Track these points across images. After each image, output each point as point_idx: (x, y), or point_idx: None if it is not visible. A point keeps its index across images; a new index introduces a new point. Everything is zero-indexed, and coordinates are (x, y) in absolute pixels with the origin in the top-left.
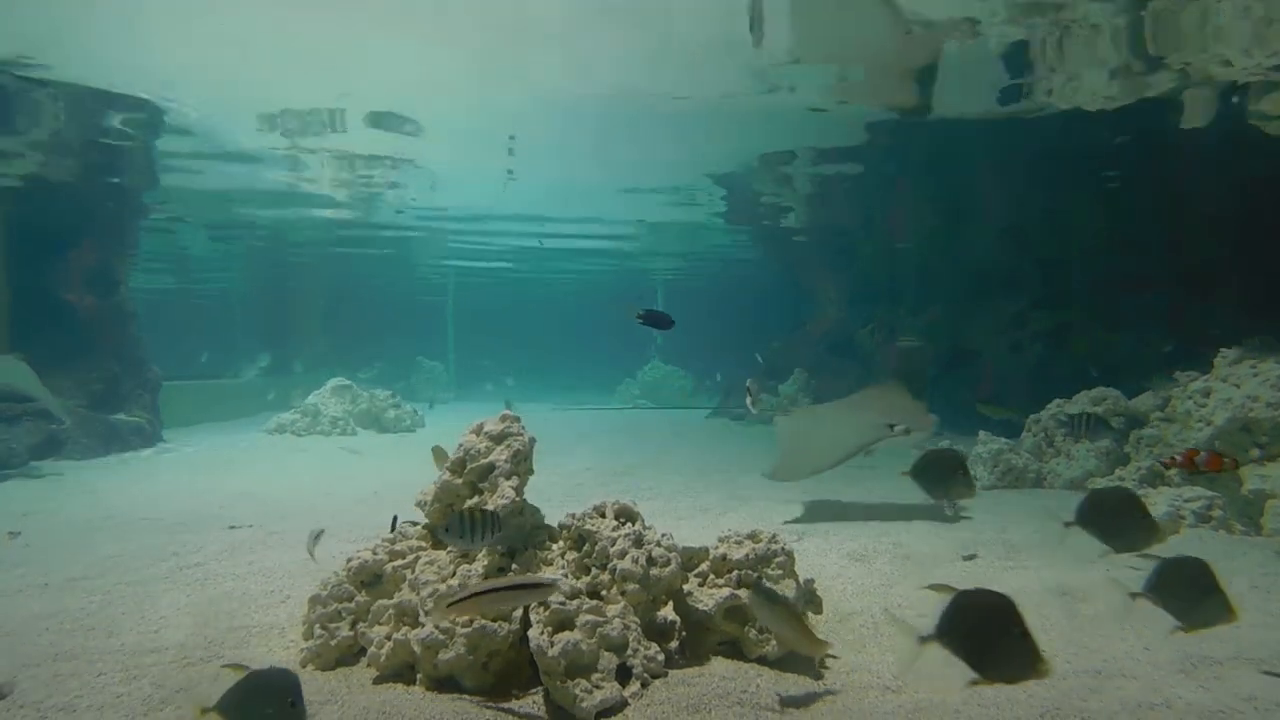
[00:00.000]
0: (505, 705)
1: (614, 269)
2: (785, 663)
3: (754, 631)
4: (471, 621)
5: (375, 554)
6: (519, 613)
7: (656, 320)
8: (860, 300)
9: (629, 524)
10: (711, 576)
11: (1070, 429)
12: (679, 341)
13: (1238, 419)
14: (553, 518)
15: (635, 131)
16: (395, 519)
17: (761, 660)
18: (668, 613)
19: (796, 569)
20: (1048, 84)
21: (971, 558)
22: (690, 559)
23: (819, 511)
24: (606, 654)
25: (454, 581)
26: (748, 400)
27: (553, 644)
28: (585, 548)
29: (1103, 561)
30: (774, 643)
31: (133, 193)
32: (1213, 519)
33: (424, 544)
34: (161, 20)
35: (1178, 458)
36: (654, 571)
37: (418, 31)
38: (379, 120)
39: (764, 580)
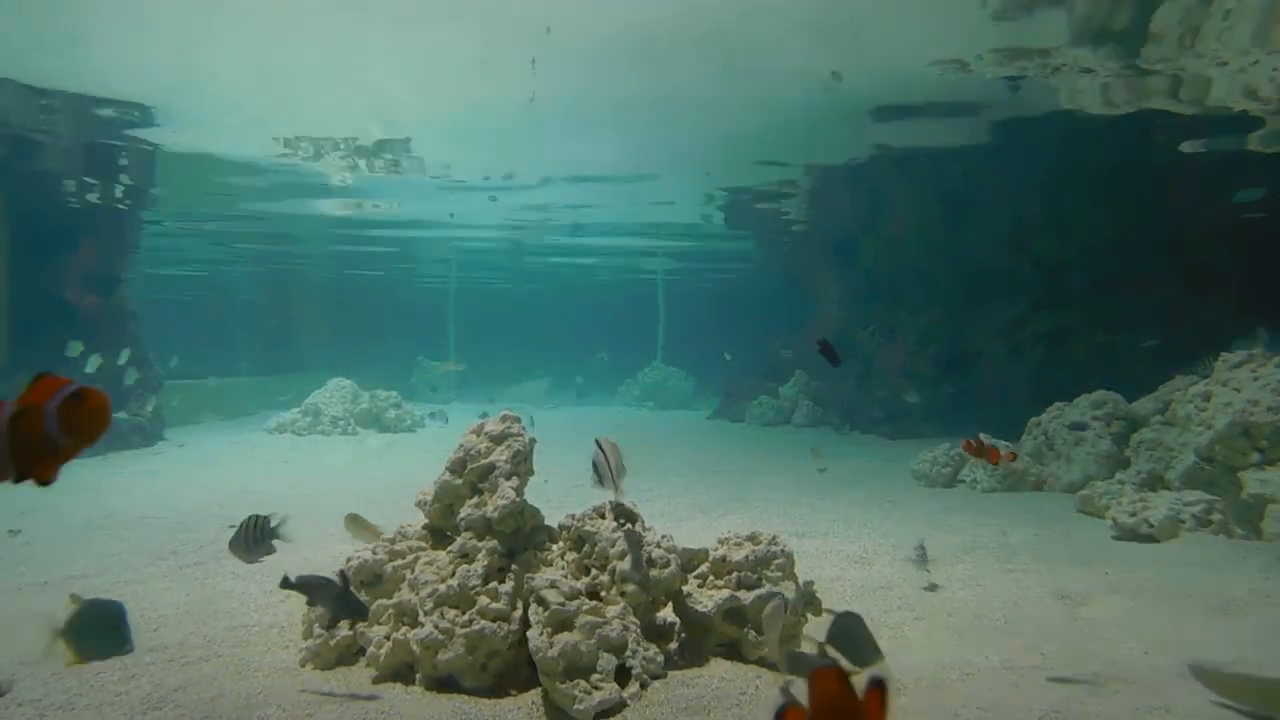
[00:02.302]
0: (504, 705)
1: (615, 267)
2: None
3: (753, 633)
4: (471, 622)
5: (375, 554)
6: (518, 613)
7: (829, 354)
8: (861, 301)
9: (629, 525)
10: (711, 578)
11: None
12: (680, 342)
13: (1238, 423)
14: (552, 518)
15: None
16: (286, 579)
17: (761, 662)
18: (667, 614)
19: (796, 571)
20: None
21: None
22: (690, 560)
23: (819, 514)
24: (605, 655)
25: (453, 582)
26: (594, 476)
27: (552, 645)
28: (585, 548)
29: (1102, 565)
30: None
31: (135, 191)
32: (1212, 523)
33: (424, 544)
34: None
35: (973, 441)
36: (654, 573)
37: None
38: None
39: (764, 581)
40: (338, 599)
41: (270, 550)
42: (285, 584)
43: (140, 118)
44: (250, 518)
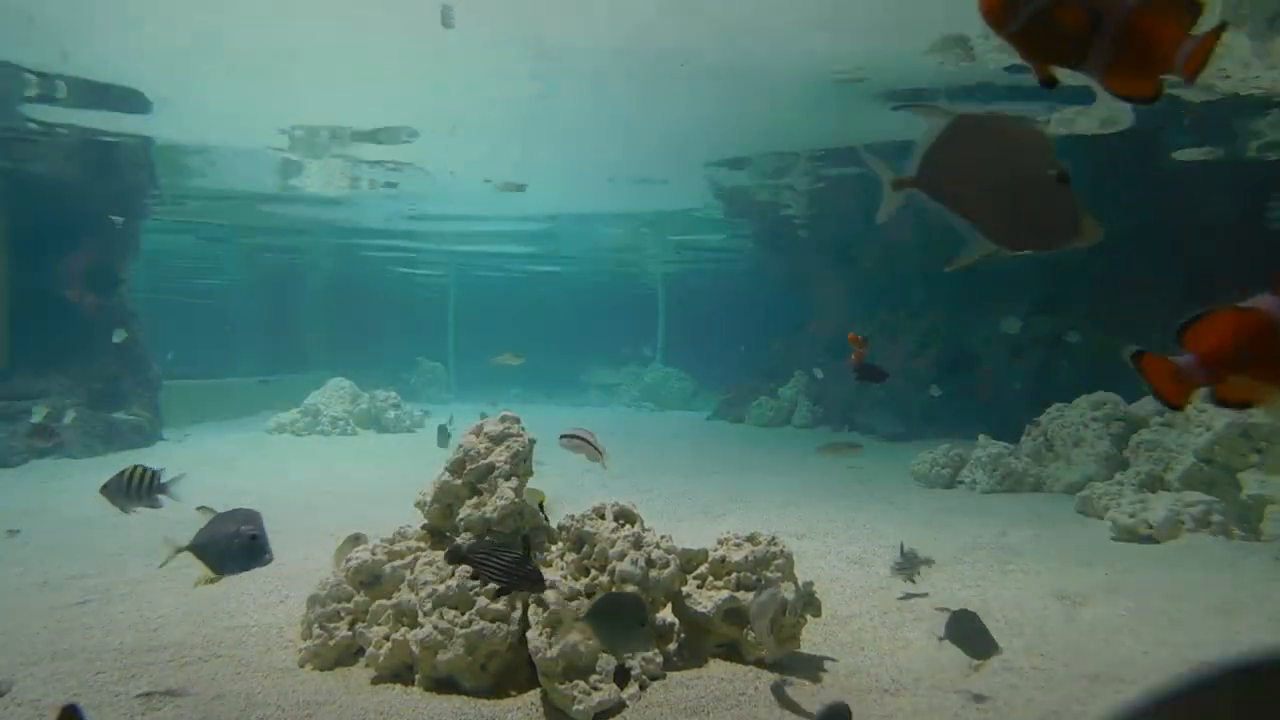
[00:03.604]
0: (503, 706)
1: (612, 267)
2: (783, 665)
3: (752, 634)
4: (470, 622)
5: (374, 554)
6: (518, 613)
7: (872, 374)
8: (861, 302)
9: (628, 525)
10: (710, 579)
11: None
12: (679, 343)
13: (1237, 424)
14: (552, 519)
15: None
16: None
17: (760, 663)
18: (666, 614)
19: (795, 571)
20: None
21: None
22: (689, 561)
23: (819, 515)
24: (605, 656)
25: (452, 582)
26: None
27: (551, 645)
28: (584, 549)
29: (1101, 566)
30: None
31: (133, 191)
32: (1212, 524)
33: (423, 544)
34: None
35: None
36: (653, 573)
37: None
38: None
39: (763, 582)
40: (515, 565)
41: (155, 504)
42: (455, 556)
43: (138, 104)
44: (135, 467)
